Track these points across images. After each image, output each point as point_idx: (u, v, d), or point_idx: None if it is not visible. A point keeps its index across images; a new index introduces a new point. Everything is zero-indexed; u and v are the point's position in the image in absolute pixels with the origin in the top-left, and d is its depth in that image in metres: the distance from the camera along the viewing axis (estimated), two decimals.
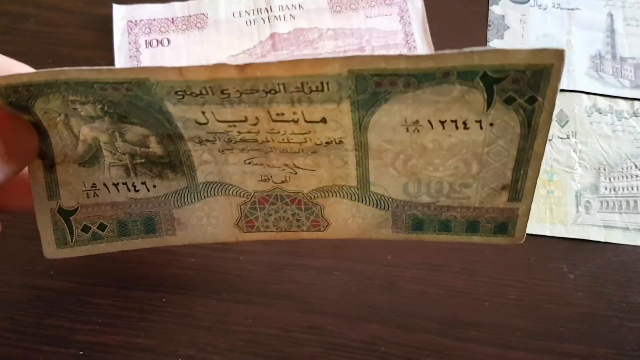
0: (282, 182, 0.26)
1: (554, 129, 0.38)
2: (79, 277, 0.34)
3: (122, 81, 0.21)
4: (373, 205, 0.26)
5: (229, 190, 0.27)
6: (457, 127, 0.22)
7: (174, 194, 0.27)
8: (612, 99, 0.39)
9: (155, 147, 0.25)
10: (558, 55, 0.19)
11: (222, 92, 0.21)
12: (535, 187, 0.24)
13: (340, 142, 0.24)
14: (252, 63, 0.20)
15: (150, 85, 0.21)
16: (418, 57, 0.20)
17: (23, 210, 0.26)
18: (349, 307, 0.34)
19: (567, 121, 0.38)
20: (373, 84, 0.21)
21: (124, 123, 0.24)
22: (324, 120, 0.23)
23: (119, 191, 0.26)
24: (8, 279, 0.34)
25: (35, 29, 0.40)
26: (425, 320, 0.34)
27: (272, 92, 0.21)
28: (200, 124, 0.23)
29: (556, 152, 0.37)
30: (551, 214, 0.36)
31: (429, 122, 0.22)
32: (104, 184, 0.26)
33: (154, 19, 0.41)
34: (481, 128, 0.22)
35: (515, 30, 0.40)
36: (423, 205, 0.26)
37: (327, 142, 0.24)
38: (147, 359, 0.33)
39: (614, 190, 0.37)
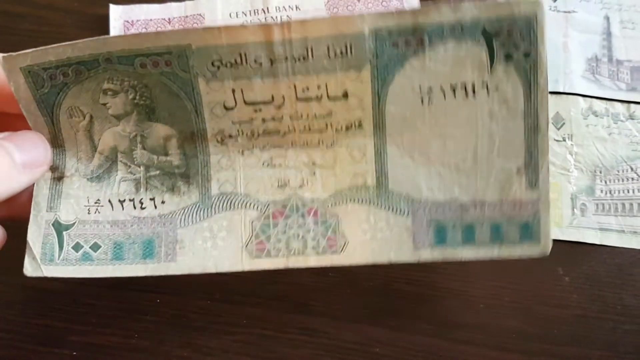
0: (300, 186, 0.26)
1: (550, 132, 0.38)
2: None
3: (163, 51, 0.22)
4: (392, 211, 0.25)
5: (244, 202, 0.26)
6: (467, 95, 0.24)
7: (182, 211, 0.26)
8: (608, 102, 0.39)
9: (174, 154, 0.25)
10: (535, 4, 0.22)
11: (255, 60, 0.23)
12: (548, 169, 0.24)
13: (360, 124, 0.25)
14: (291, 21, 0.23)
15: (189, 54, 0.22)
16: (428, 8, 0.22)
17: (18, 218, 0.26)
18: (343, 309, 0.34)
19: (563, 123, 0.38)
20: (391, 45, 0.23)
21: (151, 121, 0.24)
22: (345, 95, 0.24)
23: (123, 208, 0.26)
24: (2, 279, 0.34)
25: (31, 29, 0.40)
26: (420, 322, 0.34)
27: (302, 58, 0.23)
28: (227, 109, 0.24)
29: (552, 154, 0.37)
30: None
31: (442, 89, 0.24)
32: (109, 201, 0.26)
33: (151, 19, 0.41)
34: (488, 94, 0.24)
35: None
36: (443, 205, 0.25)
37: (347, 127, 0.25)
38: None
39: (610, 192, 0.37)
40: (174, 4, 0.41)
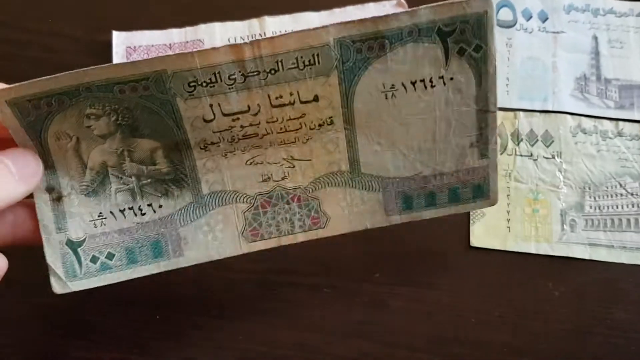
0: (282, 178, 0.28)
1: (540, 149, 0.39)
2: (75, 294, 0.35)
3: (141, 77, 0.24)
4: (365, 189, 0.29)
5: (233, 198, 0.28)
6: (425, 87, 0.27)
7: (179, 212, 0.28)
8: (597, 120, 0.39)
9: (161, 163, 0.27)
10: (486, 3, 0.25)
11: (229, 77, 0.25)
12: (496, 141, 0.28)
13: (331, 121, 0.27)
14: (260, 40, 0.25)
15: (166, 78, 0.24)
16: (387, 17, 0.25)
17: (24, 243, 0.27)
18: (337, 324, 0.35)
19: (552, 141, 0.39)
20: (354, 50, 0.25)
21: (134, 137, 0.26)
22: (316, 99, 0.26)
23: (125, 217, 0.27)
24: (6, 296, 0.35)
25: (37, 56, 0.41)
26: (412, 337, 0.34)
27: (272, 71, 0.25)
28: (207, 121, 0.26)
29: (541, 171, 0.38)
30: (536, 232, 0.37)
31: (403, 85, 0.27)
32: (111, 212, 0.27)
33: (152, 45, 0.42)
34: (444, 84, 0.27)
35: (502, 53, 0.41)
36: (408, 179, 0.29)
37: (319, 125, 0.27)
38: None
39: (599, 208, 0.37)
40: (174, 30, 0.43)
